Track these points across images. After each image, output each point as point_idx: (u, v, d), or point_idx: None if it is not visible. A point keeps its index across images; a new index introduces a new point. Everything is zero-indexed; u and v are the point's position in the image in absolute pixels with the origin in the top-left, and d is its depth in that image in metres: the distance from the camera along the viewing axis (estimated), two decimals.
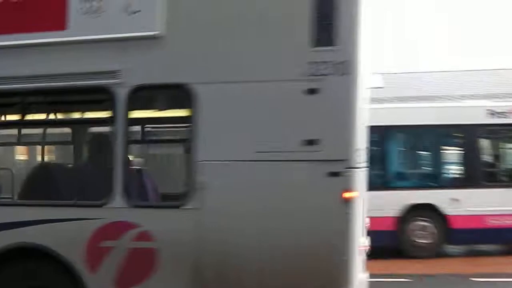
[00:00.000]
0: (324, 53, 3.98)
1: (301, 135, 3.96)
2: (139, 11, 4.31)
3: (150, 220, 4.19)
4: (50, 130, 5.01)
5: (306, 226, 3.89)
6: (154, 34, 4.26)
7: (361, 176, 4.18)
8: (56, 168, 5.13)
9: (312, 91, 3.95)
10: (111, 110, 4.35)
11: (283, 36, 4.07)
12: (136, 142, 5.01)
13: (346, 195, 3.89)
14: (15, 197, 4.72)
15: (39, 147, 5.24)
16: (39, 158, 5.22)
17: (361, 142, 4.13)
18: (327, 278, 3.86)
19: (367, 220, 4.72)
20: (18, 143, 5.25)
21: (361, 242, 4.31)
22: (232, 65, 4.13)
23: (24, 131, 4.88)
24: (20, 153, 5.33)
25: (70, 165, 5.25)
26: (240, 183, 4.03)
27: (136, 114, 4.45)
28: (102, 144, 4.57)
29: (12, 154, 5.32)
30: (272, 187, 3.98)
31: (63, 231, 4.27)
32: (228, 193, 4.06)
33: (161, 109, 4.73)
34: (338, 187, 3.89)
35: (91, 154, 4.92)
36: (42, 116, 4.86)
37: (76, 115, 5.18)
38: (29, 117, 4.70)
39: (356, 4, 4.03)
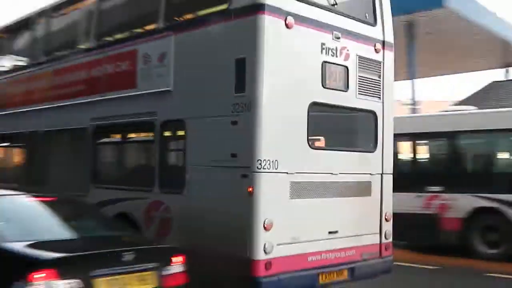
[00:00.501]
0: (239, 97, 6.09)
1: (229, 151, 6.11)
2: (162, 75, 7.21)
3: (169, 199, 6.93)
4: (127, 145, 8.25)
5: (230, 206, 6.04)
6: (169, 90, 7.13)
7: (267, 177, 5.97)
8: (132, 168, 8.28)
9: (234, 123, 6.07)
10: (153, 133, 7.30)
11: (222, 88, 6.29)
12: (166, 151, 7.33)
13: (249, 189, 5.93)
14: (115, 184, 7.82)
15: (121, 155, 8.44)
16: (122, 163, 8.34)
17: (269, 154, 5.95)
18: (240, 239, 5.96)
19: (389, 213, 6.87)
20: (111, 154, 8.59)
21: (270, 220, 5.91)
22: (200, 107, 6.63)
23: (115, 146, 8.34)
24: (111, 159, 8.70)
25: (139, 166, 8.12)
26: (203, 180, 6.52)
27: (165, 135, 7.23)
28: (150, 153, 7.46)
29: (109, 159, 8.63)
30: (215, 182, 6.34)
31: (136, 204, 7.35)
32: (197, 186, 6.56)
33: (174, 132, 7.26)
34: (245, 184, 5.93)
35: (144, 160, 7.90)
36: (123, 136, 8.16)
37: (139, 136, 8.10)
38: (117, 137, 8.25)
39: (257, 68, 5.96)
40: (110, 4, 8.48)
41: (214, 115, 6.37)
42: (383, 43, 7.34)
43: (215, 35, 6.45)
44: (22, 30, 10.30)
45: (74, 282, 4.58)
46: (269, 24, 6.03)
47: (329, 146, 6.87)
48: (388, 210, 7.29)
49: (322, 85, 6.60)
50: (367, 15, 7.25)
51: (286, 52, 6.17)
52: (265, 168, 5.95)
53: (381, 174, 7.25)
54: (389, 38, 7.45)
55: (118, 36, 8.13)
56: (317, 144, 6.67)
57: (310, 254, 6.32)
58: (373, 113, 7.23)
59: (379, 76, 7.22)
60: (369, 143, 7.24)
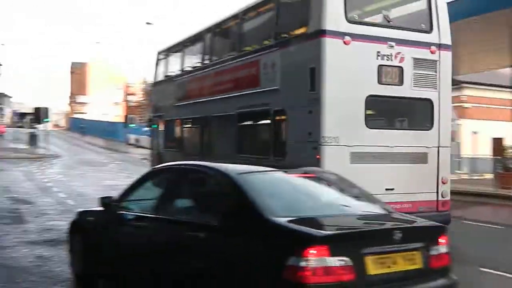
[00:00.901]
0: (312, 94, 9.11)
1: (307, 131, 9.12)
2: (274, 78, 10.43)
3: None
4: (255, 126, 11.76)
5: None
6: (277, 88, 10.38)
7: (329, 148, 8.76)
8: (258, 142, 11.36)
9: (310, 112, 9.07)
10: (269, 118, 10.61)
11: (303, 88, 9.34)
12: (277, 131, 10.42)
13: (317, 156, 8.82)
14: (248, 154, 11.00)
15: (252, 133, 11.82)
16: (252, 138, 11.63)
17: (332, 133, 8.75)
18: None
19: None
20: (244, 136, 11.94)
21: None
22: (293, 100, 9.69)
23: (248, 127, 11.87)
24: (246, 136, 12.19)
25: (261, 141, 11.13)
26: (295, 150, 9.44)
27: (276, 119, 10.48)
28: (267, 132, 10.61)
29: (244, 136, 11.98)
30: (301, 152, 9.24)
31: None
32: (292, 154, 9.51)
33: (280, 118, 10.31)
34: (315, 153, 8.78)
35: (264, 137, 10.92)
36: (253, 120, 11.72)
37: (262, 120, 11.28)
38: (249, 121, 11.81)
39: (322, 75, 8.91)
40: (245, 25, 12.18)
41: (300, 106, 9.46)
42: (439, 45, 9.81)
43: (299, 50, 9.56)
44: (197, 41, 14.66)
45: (344, 259, 4.56)
46: (330, 43, 8.88)
47: (386, 127, 9.62)
48: (445, 175, 9.69)
49: (378, 82, 9.33)
50: (423, 25, 9.89)
51: (345, 61, 8.98)
52: (328, 142, 8.86)
53: (438, 147, 9.67)
54: (445, 40, 9.88)
55: (249, 49, 11.62)
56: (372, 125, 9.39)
57: None
58: (429, 101, 9.74)
59: (435, 71, 9.70)
60: (426, 123, 9.75)
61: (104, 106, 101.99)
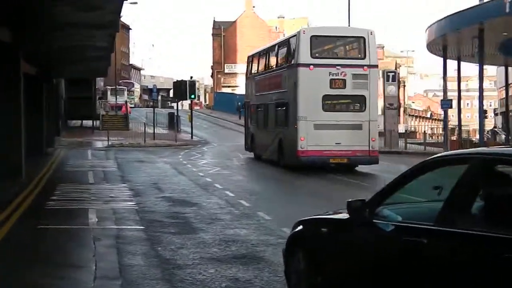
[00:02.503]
0: (296, 95, 27.27)
1: (295, 115, 27.20)
2: (292, 85, 27.63)
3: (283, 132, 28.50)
4: (273, 112, 31.17)
5: (294, 133, 27.08)
6: (286, 90, 28.27)
7: (302, 122, 26.61)
8: (282, 118, 29.05)
9: (294, 106, 26.57)
10: (285, 107, 28.96)
11: (295, 93, 27.17)
12: (287, 113, 28.51)
13: (295, 126, 26.98)
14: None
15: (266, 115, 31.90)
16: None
17: (303, 114, 26.55)
18: (295, 143, 26.93)
19: None
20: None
21: None
22: (296, 98, 27.20)
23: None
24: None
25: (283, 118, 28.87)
26: (293, 123, 27.28)
27: (287, 106, 28.37)
28: (284, 114, 28.62)
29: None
30: (294, 125, 27.07)
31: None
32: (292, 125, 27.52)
33: (287, 105, 28.93)
34: (295, 124, 27.07)
35: (283, 116, 28.92)
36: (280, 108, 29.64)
37: (283, 107, 29.65)
38: (279, 108, 29.96)
39: (298, 86, 26.96)
40: (280, 51, 30.03)
41: (292, 100, 27.24)
42: (369, 65, 26.66)
43: (291, 72, 27.36)
44: (262, 55, 33.41)
45: None
46: (302, 70, 26.73)
47: (334, 110, 27.34)
48: (374, 136, 26.63)
49: (330, 87, 26.66)
50: (360, 55, 27.18)
51: (311, 78, 26.63)
52: (301, 119, 26.48)
53: (369, 121, 26.57)
54: (373, 61, 26.87)
55: (278, 65, 29.93)
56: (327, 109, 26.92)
57: (325, 151, 26.09)
58: (363, 96, 26.72)
59: (367, 79, 26.56)
60: (361, 107, 26.86)
61: None
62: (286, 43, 29.24)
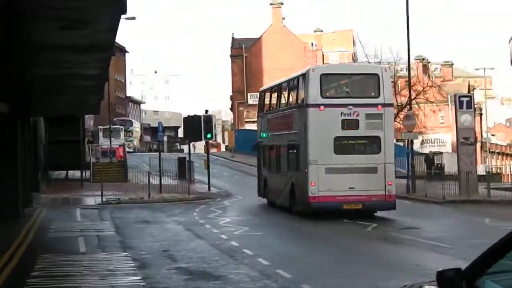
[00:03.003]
0: (307, 136, 32.00)
1: (305, 157, 32.29)
2: (302, 125, 33.16)
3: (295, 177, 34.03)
4: (284, 154, 37.17)
5: (304, 178, 31.69)
6: (297, 131, 33.83)
7: (312, 166, 31.29)
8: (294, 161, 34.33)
9: (305, 148, 31.76)
10: (296, 148, 34.81)
11: (306, 133, 32.13)
12: (297, 155, 33.98)
13: (305, 170, 32.03)
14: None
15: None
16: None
17: (313, 157, 31.18)
18: (306, 187, 31.57)
19: None
20: None
21: None
22: (306, 138, 32.49)
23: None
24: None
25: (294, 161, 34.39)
26: (304, 166, 32.46)
27: (298, 148, 34.07)
28: (295, 156, 34.40)
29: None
30: (304, 169, 32.35)
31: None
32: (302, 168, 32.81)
33: (298, 149, 34.40)
34: (305, 169, 31.89)
35: (294, 159, 34.46)
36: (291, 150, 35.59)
37: (291, 151, 35.89)
38: (291, 151, 35.93)
39: (308, 127, 31.96)
40: (291, 91, 35.93)
41: (303, 142, 32.08)
42: (384, 104, 31.28)
43: (301, 112, 32.49)
44: (273, 91, 38.97)
45: None
46: (311, 111, 31.44)
47: (347, 153, 31.52)
48: (390, 179, 30.90)
49: (342, 128, 31.06)
50: (373, 93, 31.81)
51: (321, 119, 31.25)
52: (311, 163, 30.95)
53: (384, 164, 30.90)
54: (388, 100, 31.94)
55: (289, 104, 35.96)
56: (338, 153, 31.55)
57: (338, 196, 30.37)
58: (377, 137, 31.10)
59: (381, 119, 31.00)
60: (376, 149, 31.20)
61: None
62: (296, 81, 33.95)
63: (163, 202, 42.05)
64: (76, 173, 59.98)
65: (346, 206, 30.43)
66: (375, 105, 30.97)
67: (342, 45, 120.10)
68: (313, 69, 32.40)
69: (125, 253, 21.42)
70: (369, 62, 65.52)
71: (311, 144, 30.72)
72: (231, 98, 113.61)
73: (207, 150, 53.86)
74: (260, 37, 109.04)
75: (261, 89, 42.75)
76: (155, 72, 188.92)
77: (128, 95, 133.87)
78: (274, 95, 37.61)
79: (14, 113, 31.67)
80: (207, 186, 50.08)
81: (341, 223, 28.72)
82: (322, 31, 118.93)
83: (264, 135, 39.41)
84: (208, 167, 50.52)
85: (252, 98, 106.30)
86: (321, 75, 31.36)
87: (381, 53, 63.84)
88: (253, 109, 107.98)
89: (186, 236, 25.98)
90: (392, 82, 62.31)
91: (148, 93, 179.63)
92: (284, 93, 36.54)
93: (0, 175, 23.86)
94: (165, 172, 52.03)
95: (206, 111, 51.23)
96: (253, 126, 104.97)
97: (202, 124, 48.21)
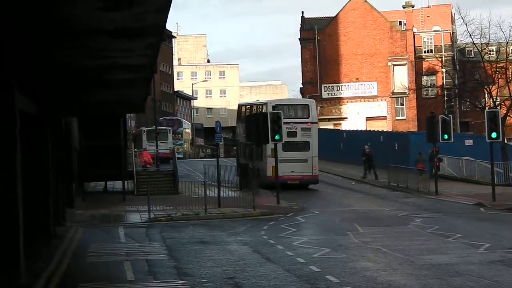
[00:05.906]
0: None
1: (268, 152, 67.33)
2: (308, 135, 70.66)
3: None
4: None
5: (264, 166, 66.93)
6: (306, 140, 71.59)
7: (269, 159, 64.02)
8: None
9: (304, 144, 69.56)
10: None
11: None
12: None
13: (265, 160, 68.78)
14: None
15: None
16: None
17: (269, 154, 64.86)
18: (265, 171, 68.96)
19: None
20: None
21: None
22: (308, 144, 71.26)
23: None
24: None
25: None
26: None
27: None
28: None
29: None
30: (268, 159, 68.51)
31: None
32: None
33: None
34: (266, 159, 67.88)
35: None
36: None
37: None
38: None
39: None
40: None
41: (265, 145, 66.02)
42: (311, 122, 69.47)
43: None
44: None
45: None
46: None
47: (289, 150, 64.96)
48: (315, 166, 68.60)
49: (287, 136, 61.67)
50: (305, 116, 69.90)
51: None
52: (268, 157, 64.34)
53: (312, 157, 68.52)
54: (313, 119, 70.06)
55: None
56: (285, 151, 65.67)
57: (285, 176, 61.95)
58: (307, 142, 69.61)
59: (310, 131, 68.71)
60: (307, 148, 68.96)
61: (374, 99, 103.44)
62: (260, 106, 65.35)
63: (222, 219, 42.20)
64: (117, 184, 60.17)
65: (289, 182, 61.16)
66: (306, 122, 64.49)
67: (438, 23, 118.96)
68: (270, 101, 66.39)
69: (182, 281, 21.51)
70: (473, 44, 66.01)
71: (268, 145, 57.29)
72: (301, 90, 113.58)
73: (275, 154, 53.79)
74: (336, 15, 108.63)
75: (239, 103, 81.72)
76: (208, 61, 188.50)
77: (176, 89, 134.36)
78: (248, 111, 69.40)
79: (42, 113, 31.31)
80: (275, 198, 49.99)
81: None
82: (413, 7, 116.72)
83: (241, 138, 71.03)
84: (276, 176, 50.45)
85: (327, 91, 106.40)
86: (273, 106, 60.58)
87: (489, 32, 63.15)
88: (328, 104, 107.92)
89: (254, 260, 25.85)
90: (502, 68, 63.47)
91: (200, 87, 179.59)
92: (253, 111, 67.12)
93: (27, 188, 23.59)
94: (224, 182, 51.93)
95: (273, 107, 51.72)
96: (329, 125, 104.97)
97: (269, 123, 48.27)
